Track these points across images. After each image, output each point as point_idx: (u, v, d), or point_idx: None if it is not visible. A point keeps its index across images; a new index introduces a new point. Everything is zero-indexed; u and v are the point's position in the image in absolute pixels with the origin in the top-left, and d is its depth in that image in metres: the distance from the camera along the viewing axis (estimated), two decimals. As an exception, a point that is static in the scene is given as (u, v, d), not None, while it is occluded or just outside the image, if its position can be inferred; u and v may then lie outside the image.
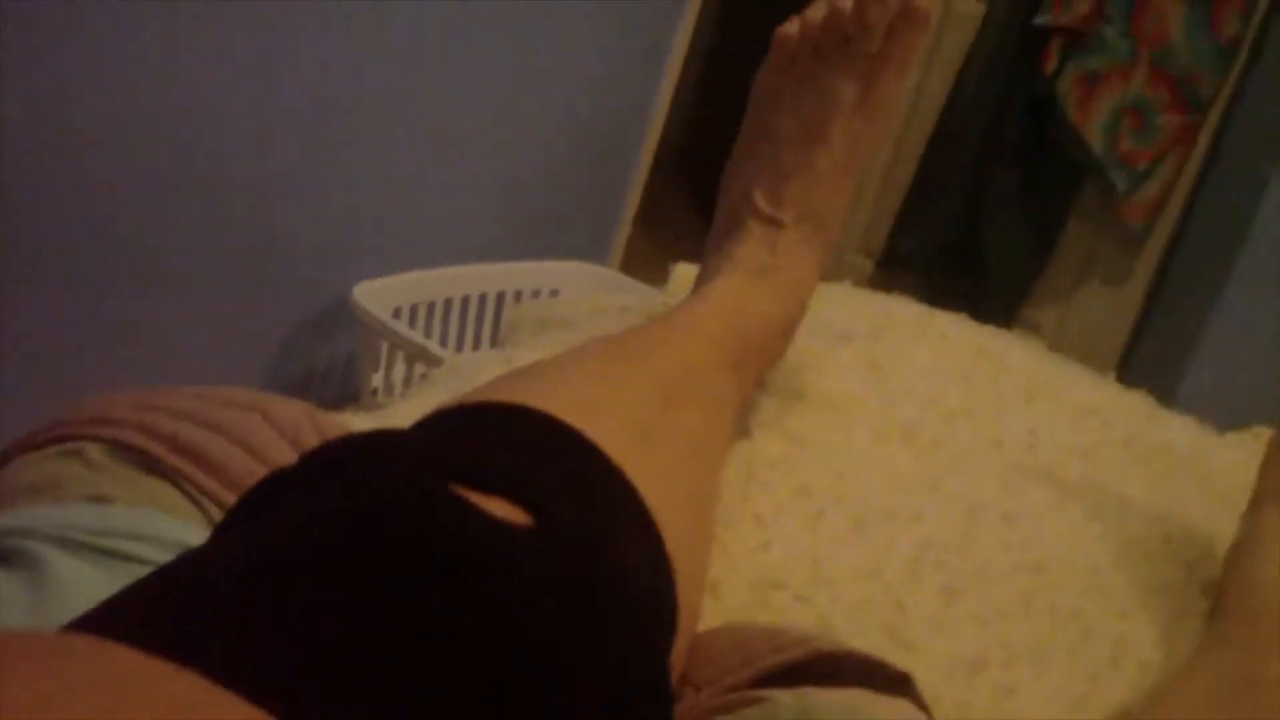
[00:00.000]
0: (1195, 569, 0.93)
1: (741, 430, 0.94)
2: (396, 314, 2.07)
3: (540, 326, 1.11)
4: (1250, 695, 0.72)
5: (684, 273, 1.21)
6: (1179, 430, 1.11)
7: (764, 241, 0.91)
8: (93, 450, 0.63)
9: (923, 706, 0.66)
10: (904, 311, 1.18)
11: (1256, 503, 0.89)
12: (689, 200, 3.28)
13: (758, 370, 0.91)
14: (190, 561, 0.45)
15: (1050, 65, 2.48)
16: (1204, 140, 2.46)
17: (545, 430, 0.61)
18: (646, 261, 2.17)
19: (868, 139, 0.92)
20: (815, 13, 0.91)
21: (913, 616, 0.79)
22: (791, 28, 0.92)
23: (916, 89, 2.75)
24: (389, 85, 1.96)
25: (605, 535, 0.56)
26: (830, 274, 1.32)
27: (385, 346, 1.97)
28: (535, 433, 0.60)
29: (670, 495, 0.63)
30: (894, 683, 0.66)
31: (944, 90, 2.69)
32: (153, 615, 0.40)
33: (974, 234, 2.66)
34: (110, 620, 0.39)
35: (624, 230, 2.48)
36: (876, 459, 0.96)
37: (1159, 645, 0.83)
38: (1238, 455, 1.10)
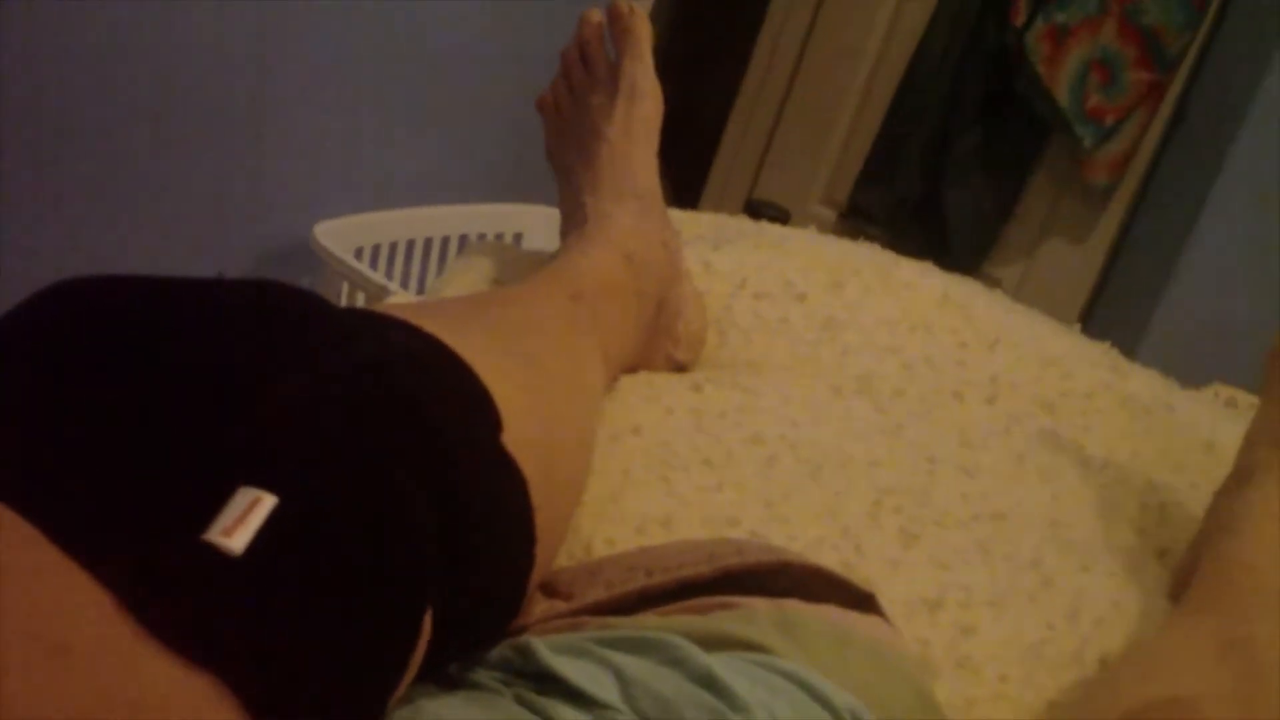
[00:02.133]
0: (1149, 535, 0.93)
1: (691, 385, 0.94)
2: (358, 254, 2.05)
3: (477, 273, 1.10)
4: (1243, 656, 0.71)
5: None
6: (1142, 383, 1.10)
7: (574, 230, 0.99)
8: None
9: (888, 624, 0.67)
10: (867, 258, 1.17)
11: (1237, 478, 0.89)
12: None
13: (614, 307, 0.92)
14: None
15: (1019, 18, 2.47)
16: (1170, 99, 2.46)
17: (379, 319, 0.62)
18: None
19: (638, 113, 1.01)
20: (559, 71, 1.06)
21: (871, 558, 0.79)
22: (545, 94, 1.07)
23: (883, 41, 2.73)
24: (352, 20, 1.94)
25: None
26: (795, 222, 1.32)
27: (345, 287, 1.95)
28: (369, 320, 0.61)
29: (522, 404, 0.64)
30: (860, 601, 0.67)
31: (911, 43, 2.68)
32: None
33: (937, 189, 2.65)
34: None
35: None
36: (832, 409, 0.96)
37: (1115, 604, 0.83)
38: (1199, 412, 1.10)
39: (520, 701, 0.54)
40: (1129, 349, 1.18)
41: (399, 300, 1.16)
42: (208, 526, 0.40)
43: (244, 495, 0.41)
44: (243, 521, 0.41)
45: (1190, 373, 1.19)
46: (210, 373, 0.46)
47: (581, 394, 0.78)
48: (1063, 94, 2.43)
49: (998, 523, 0.87)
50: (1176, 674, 0.71)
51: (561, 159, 1.05)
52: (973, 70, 2.58)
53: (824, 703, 0.56)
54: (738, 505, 0.81)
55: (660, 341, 1.00)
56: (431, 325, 0.62)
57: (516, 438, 0.61)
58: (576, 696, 0.54)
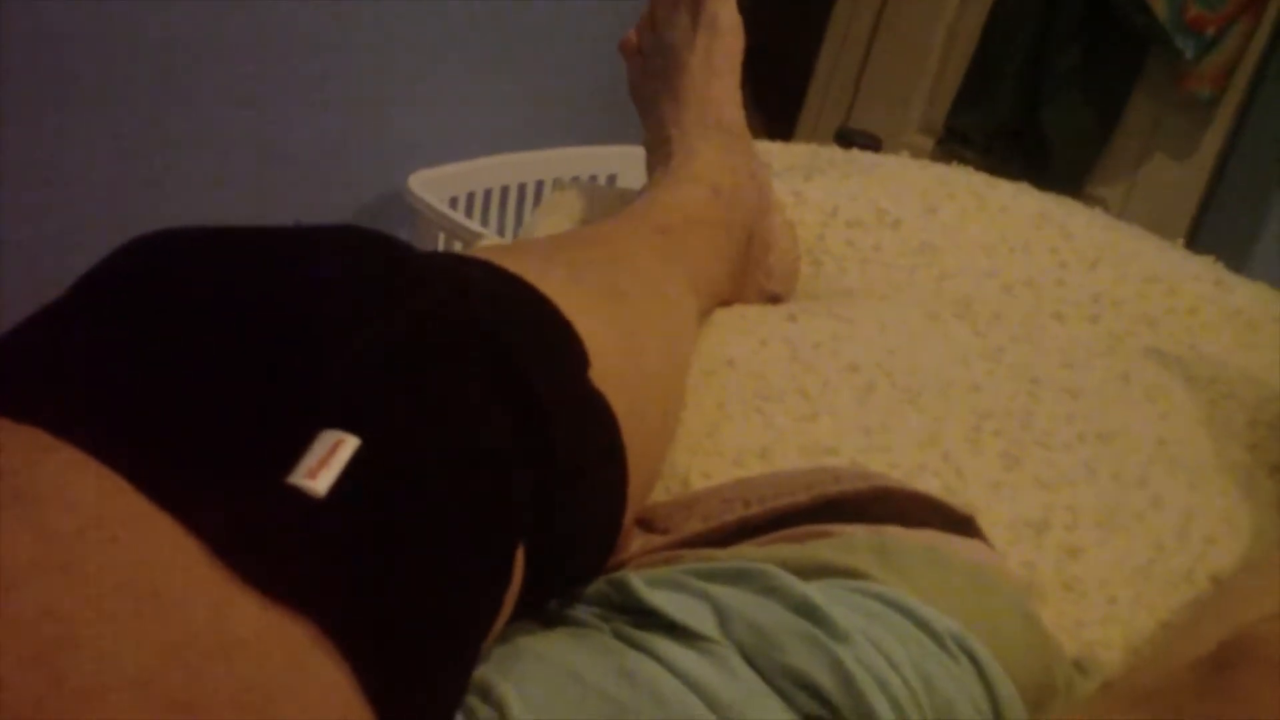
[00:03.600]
0: (1261, 450, 0.91)
1: (785, 315, 0.93)
2: (453, 203, 2.05)
3: (565, 213, 1.09)
4: None
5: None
6: (1248, 295, 1.08)
7: (658, 164, 0.99)
8: None
9: (990, 547, 0.66)
10: (962, 182, 1.15)
11: None
12: (745, 81, 3.24)
13: (702, 242, 0.92)
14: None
15: (1115, -69, 2.42)
16: (1274, 7, 2.39)
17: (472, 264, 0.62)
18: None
19: (718, 46, 1.01)
20: (645, 10, 1.06)
21: (973, 481, 0.78)
22: (630, 34, 1.07)
23: (976, -37, 2.68)
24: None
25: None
26: (890, 150, 1.30)
27: (442, 236, 1.96)
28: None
29: (609, 340, 0.64)
30: (959, 524, 0.66)
31: (1004, -37, 2.63)
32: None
33: (1035, 110, 2.60)
34: None
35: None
36: (930, 334, 0.94)
37: (1226, 521, 0.81)
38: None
39: (618, 636, 0.54)
40: (1236, 264, 1.15)
41: (488, 244, 1.16)
42: (292, 470, 0.41)
43: (327, 437, 0.42)
44: (326, 464, 0.41)
45: (1301, 285, 1.16)
46: (291, 318, 0.46)
47: (671, 328, 0.78)
48: (1161, 6, 2.36)
49: (1103, 443, 0.85)
50: None
51: (645, 96, 1.05)
52: (1068, -14, 2.53)
53: (924, 627, 0.55)
54: (835, 434, 0.80)
55: (753, 274, 0.99)
56: (514, 264, 0.62)
57: (604, 373, 0.61)
58: (674, 629, 0.54)
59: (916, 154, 1.26)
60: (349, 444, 0.42)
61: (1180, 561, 0.77)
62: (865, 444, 0.80)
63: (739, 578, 0.57)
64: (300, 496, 0.40)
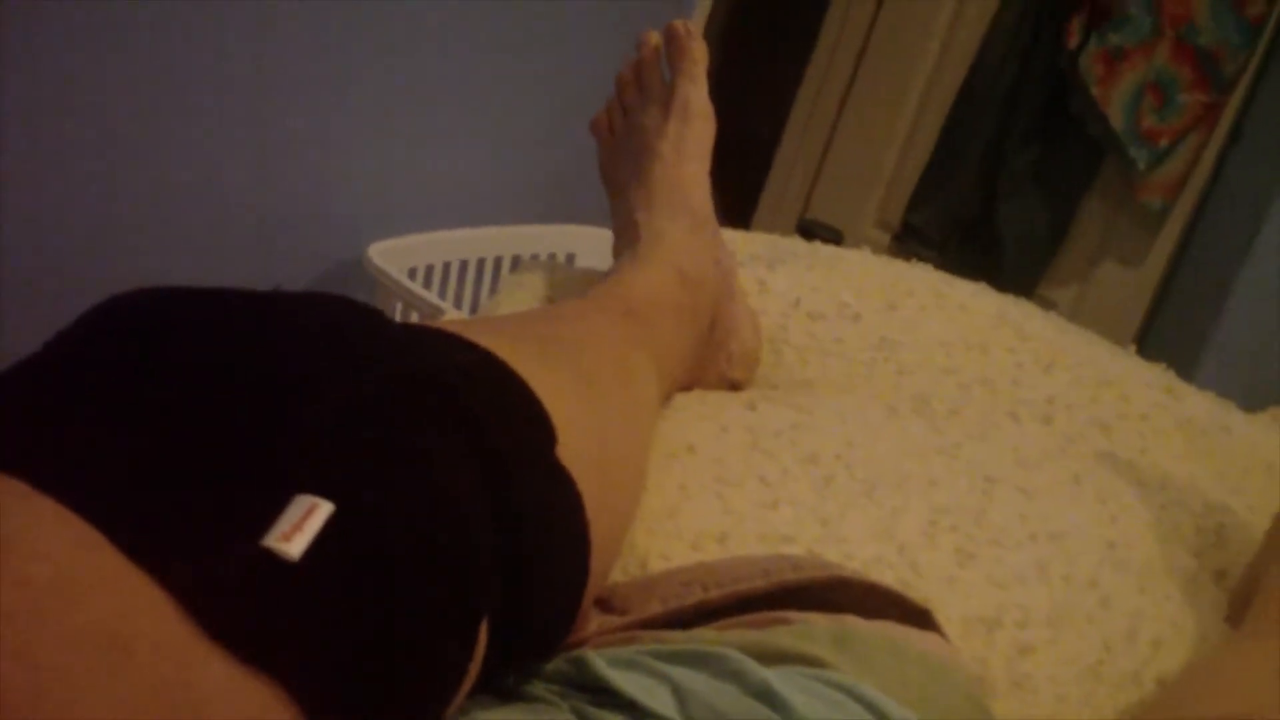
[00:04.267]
0: (1206, 557, 0.92)
1: (746, 404, 0.94)
2: (411, 274, 2.06)
3: (530, 291, 1.10)
4: None
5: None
6: (1199, 405, 1.10)
7: (626, 246, 0.99)
8: None
9: (945, 640, 0.66)
10: (922, 280, 1.17)
11: None
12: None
13: (666, 323, 0.92)
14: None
15: (1073, 41, 2.47)
16: (1226, 120, 2.44)
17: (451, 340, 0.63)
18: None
19: (689, 133, 1.02)
20: (614, 93, 1.08)
21: (928, 577, 0.79)
22: (600, 115, 1.08)
23: (936, 63, 2.73)
24: (398, 43, 1.95)
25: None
26: (847, 245, 1.32)
27: (400, 306, 1.97)
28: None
29: (576, 419, 0.64)
30: (916, 616, 0.66)
31: (964, 65, 2.67)
32: None
33: (991, 210, 2.65)
34: None
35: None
36: (888, 428, 0.96)
37: (1173, 625, 0.82)
38: (1256, 434, 1.09)
39: (577, 714, 0.55)
40: (1185, 372, 1.17)
41: (452, 318, 1.17)
42: (266, 533, 0.41)
43: (301, 502, 0.42)
44: (300, 528, 0.41)
45: (1248, 396, 1.18)
46: (267, 381, 0.47)
47: (635, 409, 0.79)
48: (1117, 116, 2.42)
49: (1055, 543, 0.86)
50: (1236, 695, 0.70)
51: (615, 178, 1.05)
52: (1027, 91, 2.58)
53: (882, 717, 0.56)
54: (794, 523, 0.81)
55: (714, 359, 1.00)
56: (485, 340, 0.62)
57: (571, 452, 0.61)
58: (632, 709, 0.54)
59: (873, 248, 1.28)
60: (323, 509, 0.42)
61: (1128, 663, 0.78)
62: (822, 534, 0.80)
63: (698, 660, 0.57)
64: (273, 559, 0.40)
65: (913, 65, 2.76)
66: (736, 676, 0.56)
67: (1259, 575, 0.87)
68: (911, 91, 2.77)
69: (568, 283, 1.11)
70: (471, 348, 0.62)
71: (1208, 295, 2.43)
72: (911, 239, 2.74)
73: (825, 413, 0.95)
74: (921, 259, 1.26)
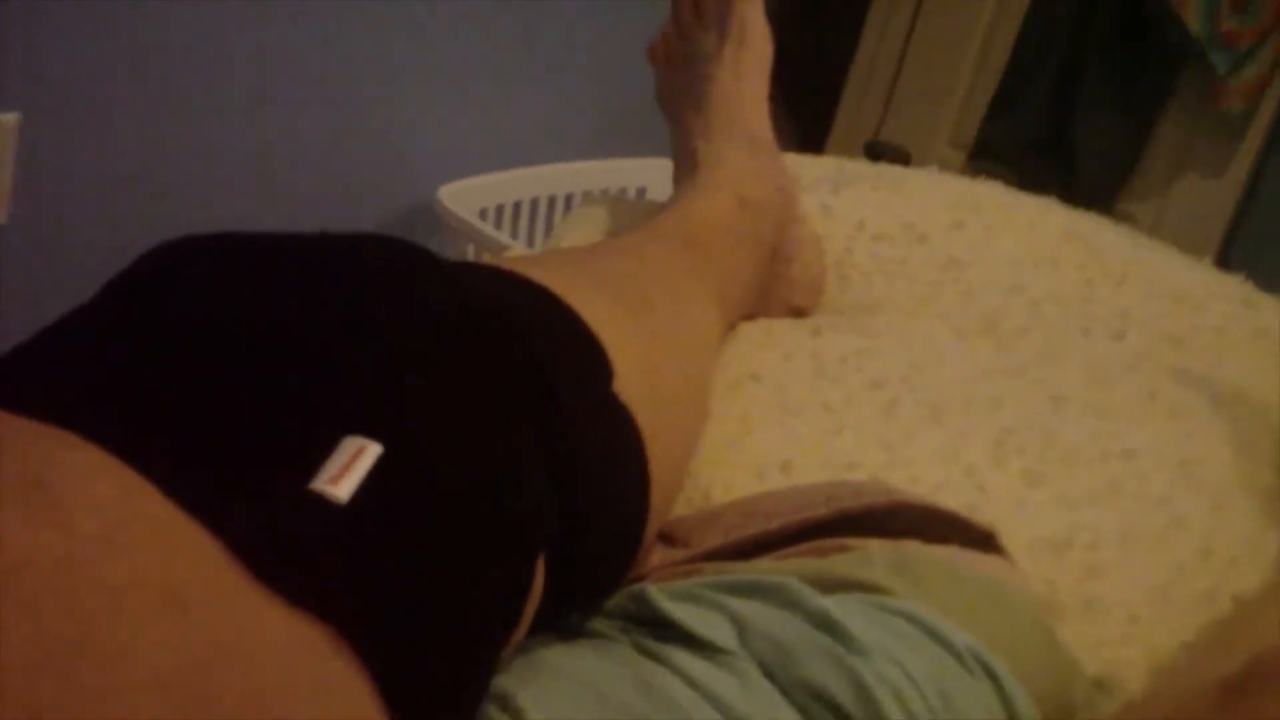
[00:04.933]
0: (1286, 473, 0.90)
1: (810, 330, 0.93)
2: (482, 215, 2.06)
3: (593, 225, 1.10)
4: None
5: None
6: (1276, 315, 1.07)
7: (685, 175, 0.98)
8: None
9: (1011, 563, 0.66)
10: (990, 196, 1.15)
11: None
12: (776, 91, 3.23)
13: (726, 253, 0.91)
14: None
15: (1147, -53, 2.41)
16: (1310, 22, 2.37)
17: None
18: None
19: (748, 58, 1.00)
20: (670, 18, 1.05)
21: (995, 498, 0.78)
22: (655, 43, 1.06)
23: (1008, -23, 2.68)
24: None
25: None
26: (921, 164, 1.30)
27: (472, 248, 1.97)
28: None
29: (634, 353, 0.64)
30: (979, 541, 0.66)
31: (1037, -22, 2.62)
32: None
33: (1066, 125, 2.60)
34: None
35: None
36: (954, 350, 0.94)
37: (1248, 543, 0.81)
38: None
39: (638, 648, 0.55)
40: (1267, 285, 1.15)
41: (515, 254, 1.17)
42: (314, 476, 0.41)
43: (349, 444, 0.42)
44: (348, 470, 0.41)
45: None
46: (316, 323, 0.47)
47: (696, 342, 0.78)
48: (1194, 20, 2.35)
49: (1127, 461, 0.85)
50: None
51: (673, 105, 1.04)
52: (1100, 2, 2.52)
53: (943, 642, 0.55)
54: (858, 449, 0.80)
55: (777, 287, 1.00)
56: (542, 276, 0.62)
57: (629, 386, 0.61)
58: (692, 641, 0.54)
59: (947, 168, 1.26)
60: (371, 451, 0.42)
61: (1202, 582, 0.76)
62: (887, 459, 0.80)
63: (758, 591, 0.57)
64: (322, 503, 0.40)
65: (983, -20, 2.71)
66: (796, 605, 0.55)
67: None
68: (985, 6, 2.71)
69: (630, 215, 1.11)
70: (526, 284, 0.61)
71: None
72: (986, 157, 2.70)
73: (890, 337, 0.94)
74: (997, 177, 1.24)
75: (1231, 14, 2.34)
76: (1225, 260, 1.46)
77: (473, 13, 1.99)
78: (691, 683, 0.51)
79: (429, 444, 0.46)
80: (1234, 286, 1.11)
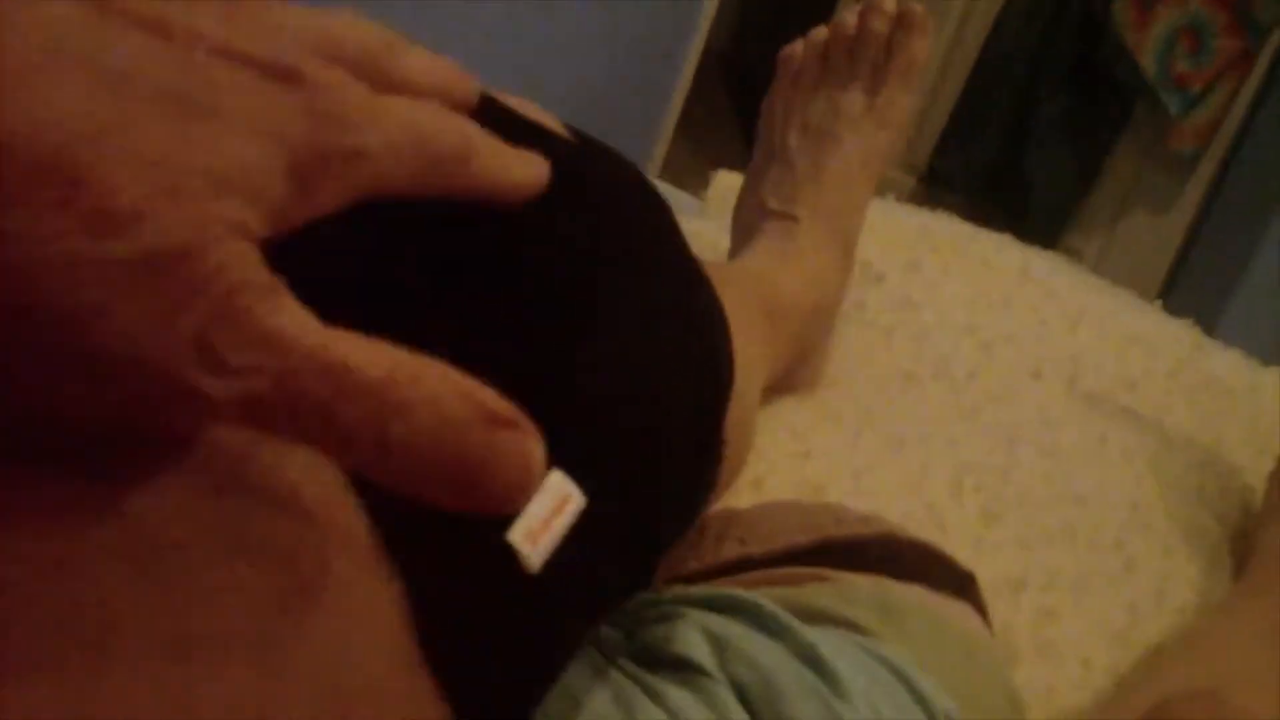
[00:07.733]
0: (1227, 521, 0.92)
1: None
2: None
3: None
4: None
5: (724, 180, 1.19)
6: (1225, 362, 1.09)
7: (779, 233, 0.91)
8: None
9: (981, 609, 0.65)
10: (945, 232, 1.16)
11: None
12: (730, 107, 3.24)
13: (784, 342, 0.87)
14: None
15: (1104, -15, 2.44)
16: (1260, 67, 2.41)
17: None
18: (687, 170, 2.15)
19: (879, 145, 0.94)
20: (820, 32, 0.95)
21: (954, 536, 0.79)
22: (796, 47, 0.96)
23: (966, 6, 2.69)
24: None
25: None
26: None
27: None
28: None
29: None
30: (956, 580, 0.65)
31: (994, 7, 2.64)
32: None
33: (1018, 156, 2.62)
34: None
35: (665, 139, 2.44)
36: (907, 395, 0.95)
37: (1196, 588, 0.82)
38: (1283, 391, 1.09)
39: (614, 666, 0.53)
40: (1210, 323, 1.16)
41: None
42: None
43: (557, 484, 0.34)
44: (549, 527, 0.34)
45: (1274, 348, 1.17)
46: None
47: (755, 401, 0.80)
48: (1149, 61, 2.39)
49: (1080, 505, 0.86)
50: (1219, 658, 0.70)
51: (779, 132, 0.96)
52: (1057, 36, 2.55)
53: (923, 703, 0.54)
54: (826, 475, 0.81)
55: None
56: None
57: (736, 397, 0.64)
58: (668, 661, 0.52)
59: (898, 191, 1.26)
60: (574, 503, 0.34)
61: (1154, 628, 0.78)
62: (854, 487, 0.80)
63: (731, 608, 0.56)
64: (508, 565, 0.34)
65: (943, 8, 2.73)
66: (781, 634, 0.54)
67: (1257, 534, 0.87)
68: (941, 34, 2.73)
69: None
70: (709, 284, 0.62)
71: (1236, 244, 2.41)
72: (937, 183, 2.72)
73: (842, 381, 0.95)
74: (946, 204, 1.25)
75: (1185, 57, 2.37)
76: (1167, 298, 1.48)
77: (436, 16, 1.98)
78: (664, 706, 0.50)
79: (616, 502, 0.45)
80: (1185, 331, 1.13)
